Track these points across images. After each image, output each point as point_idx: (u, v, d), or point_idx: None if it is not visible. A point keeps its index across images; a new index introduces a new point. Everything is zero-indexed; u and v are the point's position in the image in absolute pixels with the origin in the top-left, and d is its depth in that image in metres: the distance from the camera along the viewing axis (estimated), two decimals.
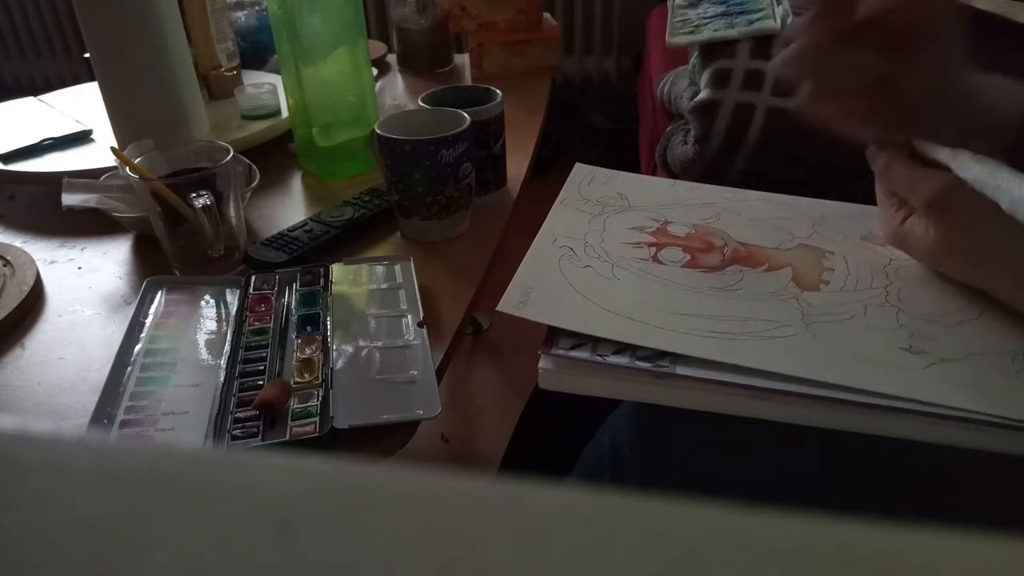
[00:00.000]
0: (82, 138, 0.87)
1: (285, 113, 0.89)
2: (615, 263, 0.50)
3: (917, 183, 0.43)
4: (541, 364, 0.43)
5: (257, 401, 0.45)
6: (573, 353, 0.42)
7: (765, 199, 0.59)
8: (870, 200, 0.52)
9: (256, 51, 1.11)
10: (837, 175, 0.64)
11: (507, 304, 0.45)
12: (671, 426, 0.46)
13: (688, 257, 0.51)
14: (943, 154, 0.43)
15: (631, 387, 0.42)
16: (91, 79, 0.83)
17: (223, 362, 0.50)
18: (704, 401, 0.41)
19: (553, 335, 0.44)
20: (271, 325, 0.53)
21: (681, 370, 0.40)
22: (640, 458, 0.46)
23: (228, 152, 0.61)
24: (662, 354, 0.41)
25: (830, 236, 0.52)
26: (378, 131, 0.64)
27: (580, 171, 0.61)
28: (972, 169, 0.41)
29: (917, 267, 0.47)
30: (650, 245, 0.52)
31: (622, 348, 0.42)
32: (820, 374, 0.39)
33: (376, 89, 0.85)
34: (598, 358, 0.42)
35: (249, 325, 0.53)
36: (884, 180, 0.46)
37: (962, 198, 0.42)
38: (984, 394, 0.37)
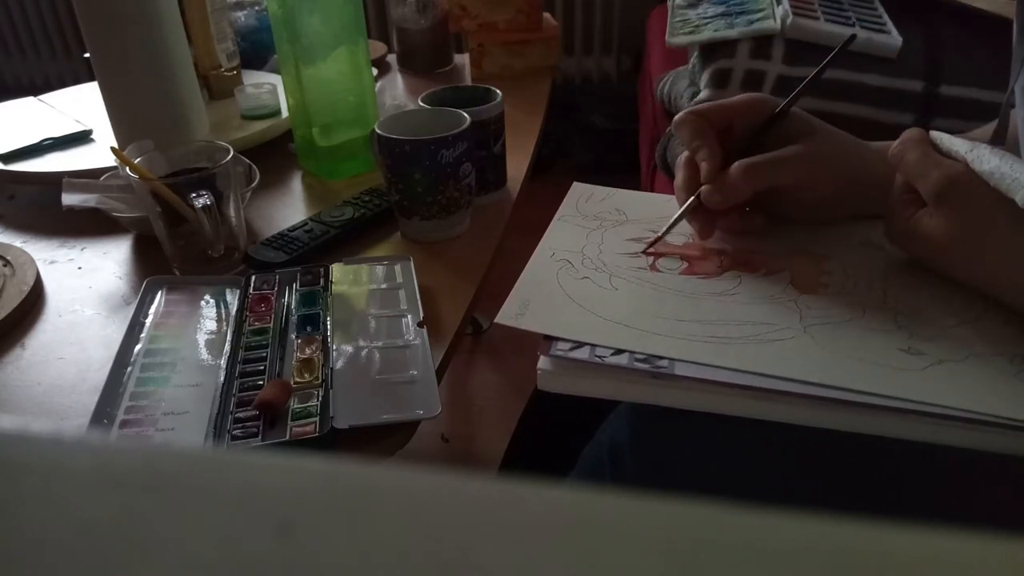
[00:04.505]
0: (82, 138, 0.87)
1: (285, 113, 0.89)
2: (613, 273, 0.50)
3: (929, 170, 0.43)
4: (540, 365, 0.42)
5: (257, 401, 0.45)
6: (572, 354, 0.42)
7: None
8: None
9: (256, 51, 1.11)
10: None
11: (505, 316, 0.45)
12: (671, 426, 0.46)
13: (685, 264, 0.51)
14: (960, 146, 0.43)
15: (630, 388, 0.42)
16: (91, 79, 0.83)
17: (223, 362, 0.50)
18: (703, 402, 0.41)
19: (552, 336, 0.44)
20: (271, 325, 0.53)
21: (680, 370, 0.40)
22: (640, 458, 0.46)
23: (228, 152, 0.61)
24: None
25: (828, 241, 0.52)
26: (378, 131, 0.64)
27: (578, 189, 0.62)
28: (991, 161, 0.41)
29: (916, 269, 0.47)
30: (647, 255, 0.52)
31: (621, 348, 0.42)
32: (818, 376, 0.39)
33: (376, 89, 0.85)
34: (597, 359, 0.42)
35: (249, 325, 0.53)
36: (895, 166, 0.45)
37: (972, 188, 0.41)
38: (983, 395, 0.37)
